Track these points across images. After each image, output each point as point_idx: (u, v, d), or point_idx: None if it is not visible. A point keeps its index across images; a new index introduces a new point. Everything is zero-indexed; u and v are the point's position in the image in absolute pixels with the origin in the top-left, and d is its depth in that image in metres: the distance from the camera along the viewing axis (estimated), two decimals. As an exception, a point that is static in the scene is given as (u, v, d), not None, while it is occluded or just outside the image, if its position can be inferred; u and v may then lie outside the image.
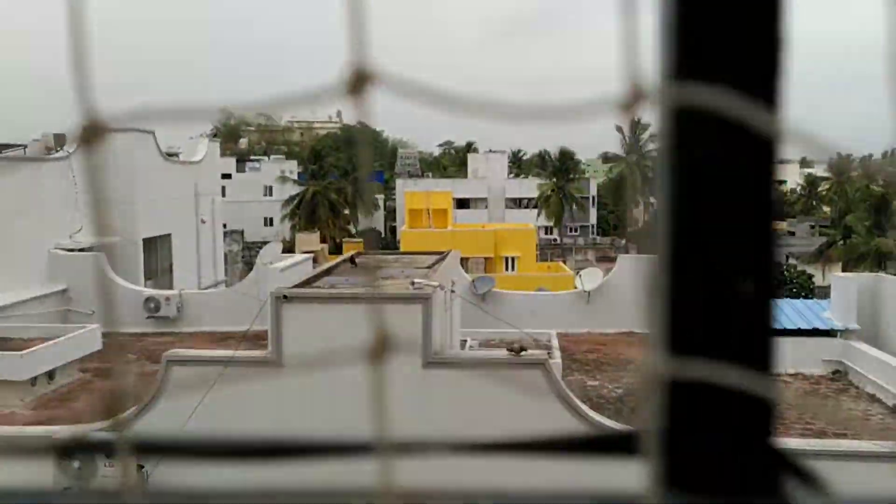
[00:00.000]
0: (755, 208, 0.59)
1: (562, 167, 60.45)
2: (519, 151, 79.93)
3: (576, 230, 63.20)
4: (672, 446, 0.59)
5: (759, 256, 0.59)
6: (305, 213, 55.88)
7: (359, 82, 0.53)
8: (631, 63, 0.53)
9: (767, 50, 0.57)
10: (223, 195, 29.42)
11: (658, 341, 0.59)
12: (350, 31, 0.52)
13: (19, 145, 19.53)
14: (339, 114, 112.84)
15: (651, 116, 0.58)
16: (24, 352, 11.80)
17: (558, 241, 61.04)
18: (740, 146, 0.57)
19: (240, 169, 64.35)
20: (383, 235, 62.85)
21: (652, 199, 0.62)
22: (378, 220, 65.35)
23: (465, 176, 64.44)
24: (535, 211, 58.47)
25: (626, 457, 0.65)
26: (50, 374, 12.38)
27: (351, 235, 57.53)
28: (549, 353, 11.65)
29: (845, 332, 13.77)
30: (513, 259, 42.77)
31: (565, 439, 0.68)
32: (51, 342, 12.40)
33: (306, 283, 11.48)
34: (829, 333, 13.84)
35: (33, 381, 12.02)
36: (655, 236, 0.60)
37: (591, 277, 16.75)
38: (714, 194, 0.58)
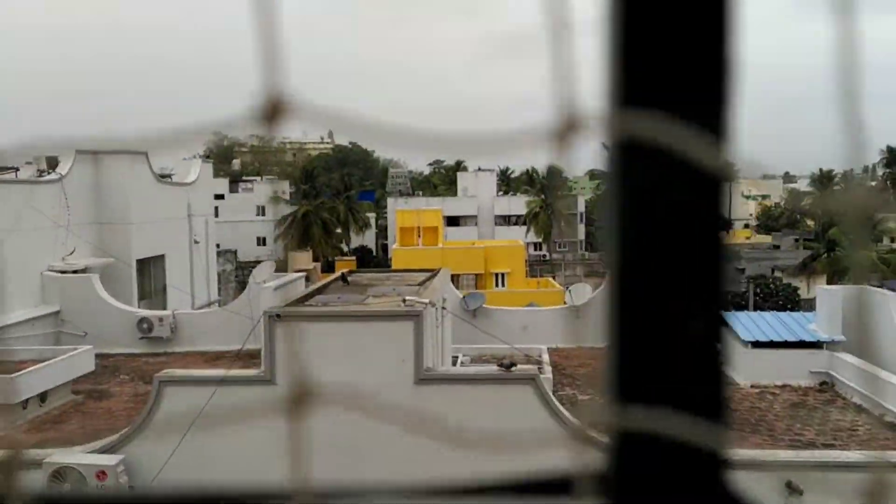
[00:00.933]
0: (700, 243, 0.56)
1: (549, 184, 60.65)
2: (507, 169, 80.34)
3: (564, 246, 63.41)
4: (617, 499, 0.57)
5: (707, 295, 0.56)
6: (298, 232, 55.90)
7: (273, 111, 0.52)
8: (564, 90, 0.51)
9: (715, 78, 0.55)
10: (216, 215, 29.46)
11: (609, 385, 0.57)
12: (263, 58, 0.50)
13: (11, 168, 19.58)
14: (330, 134, 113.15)
15: (593, 144, 0.56)
16: (16, 374, 11.73)
17: (547, 257, 61.24)
18: (685, 179, 0.55)
19: (233, 189, 64.36)
20: (375, 253, 62.88)
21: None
22: (370, 239, 65.45)
23: (455, 194, 64.71)
24: (524, 227, 58.74)
25: (565, 499, 0.62)
26: (42, 397, 12.34)
27: (343, 254, 57.54)
28: (539, 369, 11.77)
29: (831, 344, 13.92)
30: (503, 275, 42.90)
31: (502, 482, 0.67)
32: (43, 364, 12.34)
33: (299, 301, 11.57)
34: (816, 345, 13.99)
35: (25, 403, 11.97)
36: (605, 272, 0.58)
37: (581, 293, 16.89)
38: (659, 228, 0.56)
